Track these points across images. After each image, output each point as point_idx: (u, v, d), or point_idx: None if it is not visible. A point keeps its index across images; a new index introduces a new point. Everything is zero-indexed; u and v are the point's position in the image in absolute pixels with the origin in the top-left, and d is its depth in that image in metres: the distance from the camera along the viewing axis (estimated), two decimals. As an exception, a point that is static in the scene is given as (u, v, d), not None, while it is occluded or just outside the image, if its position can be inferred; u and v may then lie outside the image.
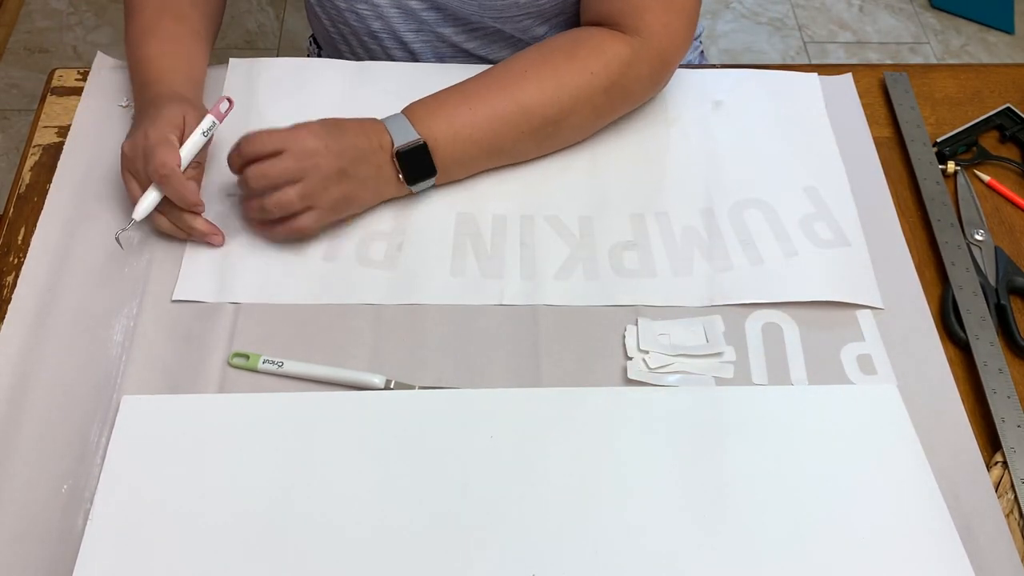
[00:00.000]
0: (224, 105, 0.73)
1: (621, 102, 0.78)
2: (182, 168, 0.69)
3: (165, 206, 0.71)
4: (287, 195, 0.68)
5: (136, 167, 0.70)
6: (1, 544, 0.59)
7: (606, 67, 0.75)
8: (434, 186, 0.76)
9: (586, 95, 0.75)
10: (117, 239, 0.71)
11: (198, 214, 0.71)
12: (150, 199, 0.70)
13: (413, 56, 0.90)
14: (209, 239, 0.72)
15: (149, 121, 0.70)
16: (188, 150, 0.70)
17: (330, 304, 0.70)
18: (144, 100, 0.75)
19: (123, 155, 0.71)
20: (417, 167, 0.73)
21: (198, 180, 0.73)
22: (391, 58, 0.90)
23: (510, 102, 0.74)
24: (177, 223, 0.72)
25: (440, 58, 0.90)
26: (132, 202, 0.71)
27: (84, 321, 0.69)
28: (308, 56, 1.03)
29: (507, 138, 0.75)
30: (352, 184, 0.71)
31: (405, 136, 0.72)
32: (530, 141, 0.76)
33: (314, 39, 1.05)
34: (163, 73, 0.76)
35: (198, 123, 0.71)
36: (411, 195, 0.76)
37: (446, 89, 0.76)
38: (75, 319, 0.69)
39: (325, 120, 0.71)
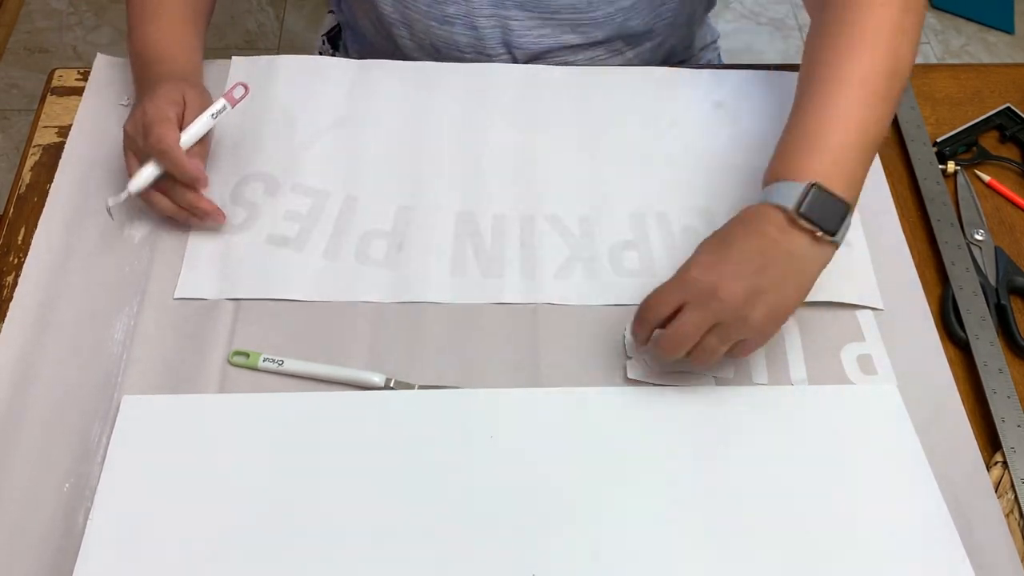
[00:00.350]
0: (239, 91, 0.73)
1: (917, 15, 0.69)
2: (184, 148, 0.69)
3: (167, 183, 0.71)
4: (710, 345, 0.61)
5: (136, 145, 0.70)
6: (2, 543, 0.59)
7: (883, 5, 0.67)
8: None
9: (894, 23, 0.67)
10: (108, 210, 0.71)
11: (198, 190, 0.71)
12: (147, 172, 0.70)
13: (479, 41, 0.87)
14: (212, 218, 0.72)
15: (148, 99, 0.71)
16: (194, 130, 0.71)
17: (330, 302, 0.70)
18: (145, 80, 0.75)
19: (125, 134, 0.72)
20: (829, 208, 0.62)
21: (202, 158, 0.73)
22: (455, 45, 0.88)
23: (847, 89, 0.65)
24: (179, 201, 0.71)
25: (507, 46, 0.88)
26: (128, 173, 0.71)
27: (85, 320, 0.69)
28: (320, 54, 1.02)
29: (878, 111, 0.65)
30: (771, 295, 0.60)
31: (791, 193, 0.62)
32: (891, 105, 0.67)
33: (326, 39, 1.04)
34: (164, 53, 0.76)
35: (200, 102, 0.72)
36: (413, 199, 0.76)
37: (782, 138, 0.67)
38: (76, 318, 0.69)
39: (708, 241, 0.63)
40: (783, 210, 0.62)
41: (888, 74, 0.66)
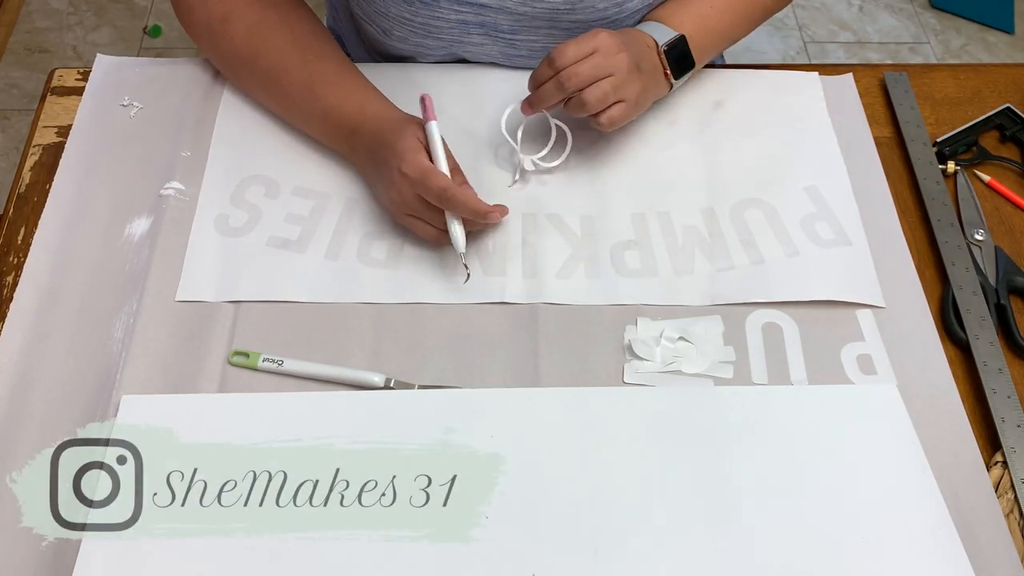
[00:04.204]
0: (428, 102, 0.73)
1: None
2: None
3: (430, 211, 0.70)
4: (602, 88, 0.71)
5: (414, 208, 0.70)
6: (1, 543, 0.59)
7: None
8: None
9: None
10: (466, 269, 0.71)
11: (495, 223, 0.73)
12: (457, 228, 0.69)
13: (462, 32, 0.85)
14: (496, 215, 0.70)
15: (395, 160, 0.70)
16: (444, 166, 0.70)
17: (331, 303, 0.70)
18: (363, 146, 0.74)
19: (392, 208, 0.72)
20: (681, 61, 0.78)
21: (467, 183, 0.72)
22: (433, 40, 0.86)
23: None
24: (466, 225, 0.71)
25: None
26: (430, 240, 0.72)
27: (84, 320, 0.69)
28: None
29: (739, 26, 0.83)
30: (644, 77, 0.75)
31: (666, 35, 0.77)
32: (751, 26, 0.84)
33: None
34: (362, 111, 0.75)
35: (422, 134, 0.72)
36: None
37: None
38: (75, 318, 0.69)
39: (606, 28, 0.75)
40: (655, 42, 0.77)
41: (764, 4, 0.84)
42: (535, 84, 0.74)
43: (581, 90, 0.71)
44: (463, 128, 0.81)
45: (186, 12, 0.81)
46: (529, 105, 0.75)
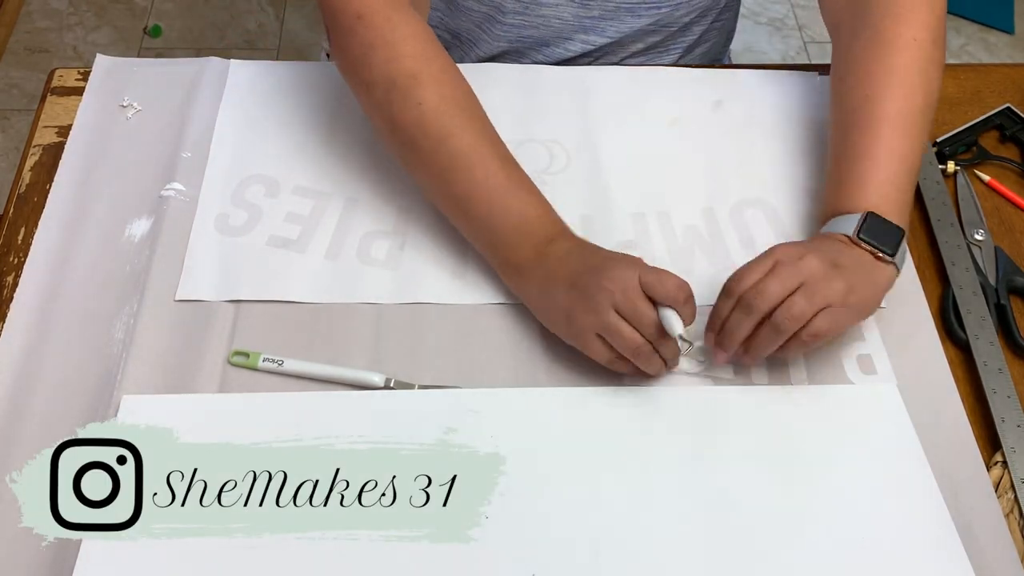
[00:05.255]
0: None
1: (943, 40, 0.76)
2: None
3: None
4: (796, 303, 0.61)
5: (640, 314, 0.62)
6: (1, 543, 0.59)
7: (921, 25, 0.75)
8: None
9: (926, 58, 0.73)
10: (687, 346, 0.63)
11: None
12: (673, 317, 0.62)
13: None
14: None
15: (609, 284, 0.62)
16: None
17: (332, 303, 0.70)
18: (555, 247, 0.67)
19: (576, 330, 0.65)
20: (885, 235, 0.66)
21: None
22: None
23: (887, 128, 0.69)
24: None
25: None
26: (603, 362, 0.65)
27: (84, 320, 0.69)
28: (328, 57, 1.02)
29: (917, 147, 0.70)
30: (848, 273, 0.63)
31: (850, 223, 0.66)
32: (925, 136, 0.72)
33: None
34: (557, 223, 0.69)
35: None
36: (414, 199, 0.76)
37: (830, 177, 0.72)
38: (75, 319, 0.69)
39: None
40: (845, 235, 0.66)
41: (923, 108, 0.71)
42: (718, 322, 0.64)
43: (771, 313, 0.61)
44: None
45: (361, 56, 0.70)
46: (723, 349, 0.64)
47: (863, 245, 0.65)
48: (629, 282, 0.62)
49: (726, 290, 0.64)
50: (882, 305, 0.71)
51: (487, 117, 0.72)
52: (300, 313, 0.70)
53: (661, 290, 0.62)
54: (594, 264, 0.65)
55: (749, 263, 0.64)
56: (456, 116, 0.69)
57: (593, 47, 0.89)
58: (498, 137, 0.71)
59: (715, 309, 0.65)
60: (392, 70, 0.69)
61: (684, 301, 0.62)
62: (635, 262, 0.65)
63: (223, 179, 0.77)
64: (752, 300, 0.62)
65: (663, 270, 0.64)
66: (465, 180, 0.68)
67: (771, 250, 0.64)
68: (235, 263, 0.72)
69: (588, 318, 0.63)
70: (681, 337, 0.62)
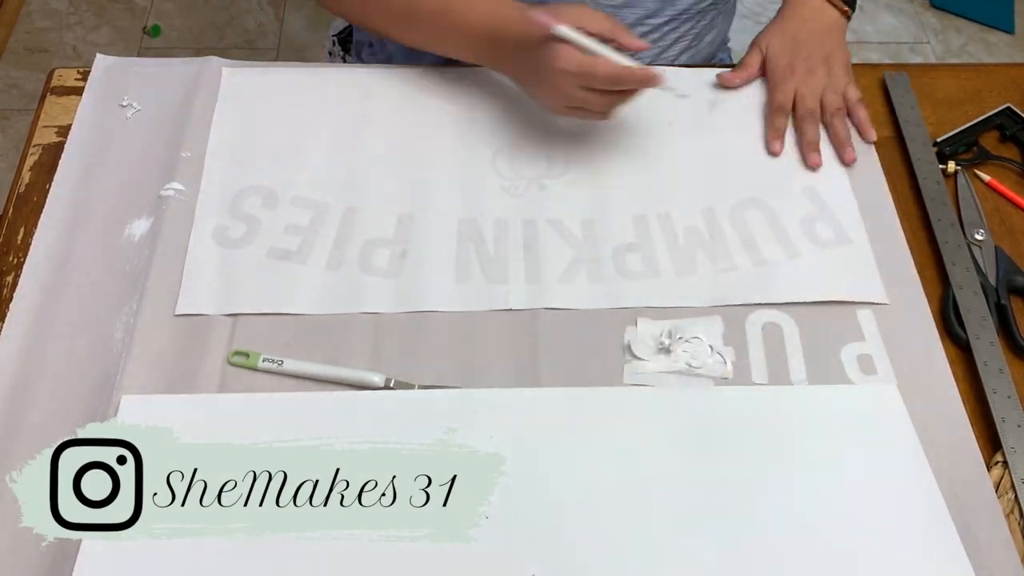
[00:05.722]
0: (540, 18, 0.71)
1: None
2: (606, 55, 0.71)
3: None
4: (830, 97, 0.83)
5: (577, 100, 0.73)
6: (1, 543, 0.59)
7: None
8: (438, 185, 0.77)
9: None
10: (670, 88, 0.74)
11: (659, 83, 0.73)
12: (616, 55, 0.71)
13: None
14: (655, 80, 0.72)
15: (547, 60, 0.72)
16: (601, 50, 0.71)
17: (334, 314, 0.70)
18: (507, 53, 0.77)
19: (552, 104, 0.76)
20: None
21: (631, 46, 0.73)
22: None
23: None
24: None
25: None
26: (600, 120, 0.77)
27: (84, 320, 0.69)
28: (331, 57, 1.02)
29: None
30: (828, 39, 0.86)
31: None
32: None
33: (337, 40, 1.04)
34: (498, 17, 0.77)
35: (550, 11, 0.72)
36: (414, 206, 0.76)
37: None
38: (76, 318, 0.69)
39: (777, 42, 0.85)
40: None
41: None
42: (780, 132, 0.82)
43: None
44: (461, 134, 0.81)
45: None
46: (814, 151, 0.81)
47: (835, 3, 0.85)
48: (567, 84, 0.72)
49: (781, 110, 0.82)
50: (886, 302, 0.72)
51: None
52: (302, 321, 0.70)
53: (595, 33, 0.71)
54: (533, 60, 0.73)
55: (780, 94, 0.82)
56: None
57: None
58: None
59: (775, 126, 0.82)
60: None
61: (613, 30, 0.72)
62: (557, 56, 0.71)
63: (219, 190, 0.76)
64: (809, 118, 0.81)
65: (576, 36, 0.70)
66: (414, 19, 0.80)
67: (785, 79, 0.82)
68: (235, 277, 0.71)
69: (554, 104, 0.76)
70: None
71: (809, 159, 0.80)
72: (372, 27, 0.85)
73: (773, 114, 0.83)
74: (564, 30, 0.71)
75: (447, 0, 0.78)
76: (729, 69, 0.87)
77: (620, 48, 0.72)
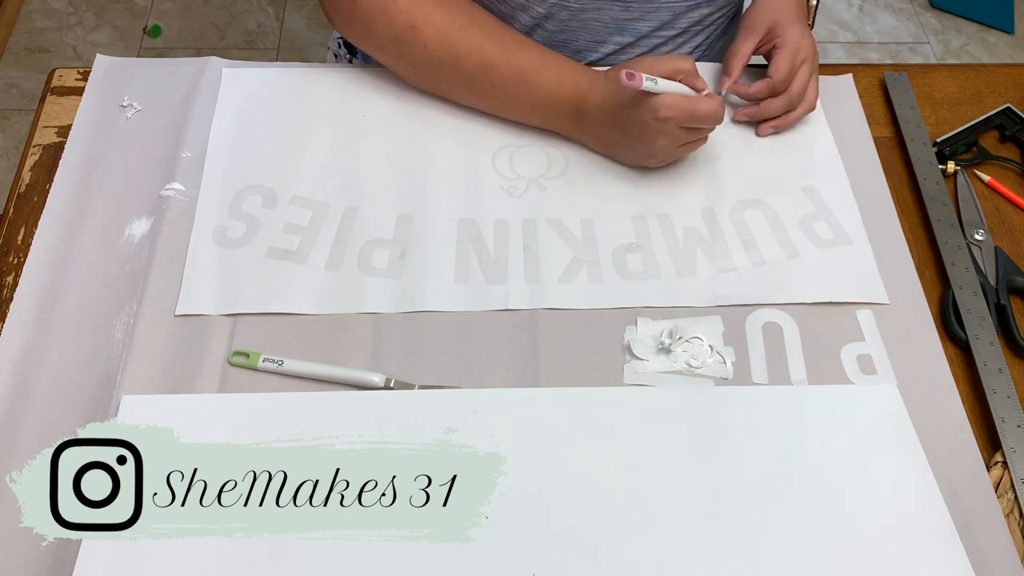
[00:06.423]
0: (630, 76, 0.71)
1: None
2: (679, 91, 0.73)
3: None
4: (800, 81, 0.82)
5: (682, 140, 0.76)
6: (2, 542, 0.59)
7: None
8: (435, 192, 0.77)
9: None
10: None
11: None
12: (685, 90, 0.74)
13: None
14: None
15: (647, 114, 0.73)
16: (688, 91, 0.74)
17: (334, 314, 0.70)
18: (592, 119, 0.77)
19: (660, 154, 0.77)
20: None
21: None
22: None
23: None
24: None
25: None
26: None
27: (84, 320, 0.69)
28: (337, 60, 1.02)
29: None
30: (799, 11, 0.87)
31: None
32: None
33: (342, 41, 1.04)
34: (579, 87, 0.77)
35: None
36: (413, 206, 0.76)
37: None
38: (75, 319, 0.69)
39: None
40: None
41: None
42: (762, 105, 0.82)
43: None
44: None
45: (364, 28, 0.79)
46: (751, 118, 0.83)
47: None
48: (673, 129, 0.74)
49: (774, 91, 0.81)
50: (886, 302, 0.72)
51: (484, 17, 0.79)
52: (302, 321, 0.70)
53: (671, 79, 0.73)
54: (629, 118, 0.75)
55: (786, 73, 0.81)
56: (458, 41, 0.77)
57: (619, 47, 0.89)
58: (500, 29, 0.79)
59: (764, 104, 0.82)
60: (394, 30, 0.77)
61: (688, 71, 0.74)
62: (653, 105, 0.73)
63: (219, 191, 0.76)
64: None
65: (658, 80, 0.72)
66: (488, 87, 0.78)
67: (791, 55, 0.81)
68: (235, 277, 0.71)
69: (663, 153, 0.77)
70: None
71: (761, 129, 0.83)
72: (435, 89, 0.82)
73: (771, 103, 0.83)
74: (661, 83, 0.72)
75: (522, 70, 0.77)
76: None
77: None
